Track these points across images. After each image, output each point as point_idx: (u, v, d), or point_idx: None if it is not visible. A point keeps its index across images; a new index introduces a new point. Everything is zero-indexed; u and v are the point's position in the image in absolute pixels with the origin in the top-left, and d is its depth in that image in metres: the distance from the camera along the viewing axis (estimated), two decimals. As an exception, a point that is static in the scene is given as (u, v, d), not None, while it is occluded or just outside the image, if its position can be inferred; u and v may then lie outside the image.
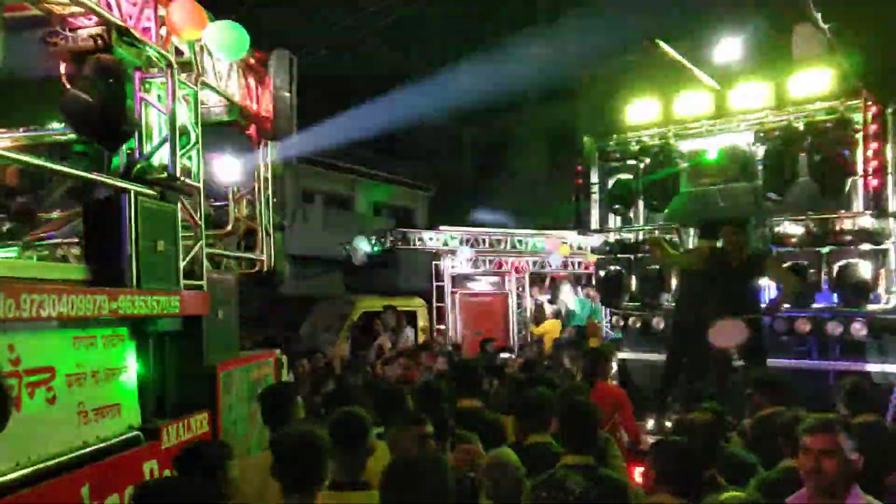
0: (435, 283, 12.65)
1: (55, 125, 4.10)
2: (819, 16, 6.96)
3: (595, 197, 8.71)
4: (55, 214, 4.60)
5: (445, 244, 12.87)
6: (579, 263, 13.89)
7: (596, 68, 21.33)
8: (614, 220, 8.77)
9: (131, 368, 3.76)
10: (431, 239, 12.96)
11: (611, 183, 8.44)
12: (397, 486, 2.36)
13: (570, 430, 3.42)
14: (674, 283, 7.85)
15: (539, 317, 13.00)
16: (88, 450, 3.30)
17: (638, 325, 7.93)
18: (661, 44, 9.94)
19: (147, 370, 3.87)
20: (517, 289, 13.45)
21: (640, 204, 8.49)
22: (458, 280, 13.00)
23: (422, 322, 12.27)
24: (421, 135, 26.87)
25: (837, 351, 6.60)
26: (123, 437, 3.57)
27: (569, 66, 21.50)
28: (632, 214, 8.59)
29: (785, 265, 6.57)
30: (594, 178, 8.77)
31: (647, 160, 8.06)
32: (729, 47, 10.12)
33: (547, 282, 14.17)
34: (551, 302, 13.53)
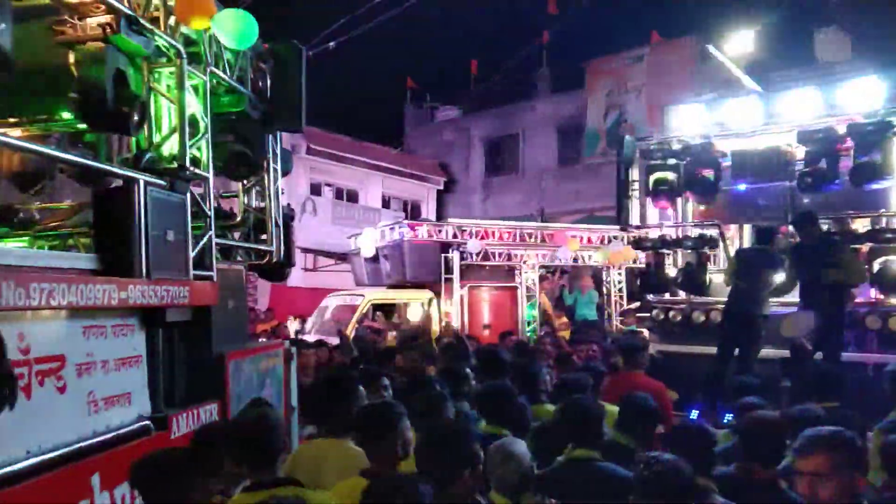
0: (444, 276, 12.63)
1: (65, 115, 4.09)
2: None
3: (636, 194, 9.11)
4: (66, 204, 4.61)
5: (454, 236, 12.85)
6: (589, 257, 13.84)
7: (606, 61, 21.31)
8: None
9: (141, 358, 3.76)
10: (440, 231, 12.94)
11: (652, 180, 8.78)
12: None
13: (574, 424, 3.46)
14: (718, 277, 8.22)
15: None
16: (98, 439, 3.30)
17: (678, 318, 8.14)
18: (712, 49, 10.24)
19: (156, 360, 3.86)
20: (527, 282, 13.41)
21: (680, 201, 9.05)
22: (467, 273, 12.97)
23: (431, 314, 12.27)
24: (431, 127, 26.89)
25: (875, 344, 6.72)
26: (133, 426, 3.57)
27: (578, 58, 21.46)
28: (671, 211, 9.11)
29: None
30: (634, 175, 9.15)
31: (689, 158, 8.43)
32: (744, 42, 10.29)
33: (557, 275, 14.15)
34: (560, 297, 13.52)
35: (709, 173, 8.34)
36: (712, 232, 8.75)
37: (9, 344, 2.75)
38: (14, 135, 4.00)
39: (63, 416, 3.13)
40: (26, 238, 4.25)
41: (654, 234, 9.18)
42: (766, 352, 7.03)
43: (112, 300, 3.36)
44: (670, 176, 8.68)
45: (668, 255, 9.05)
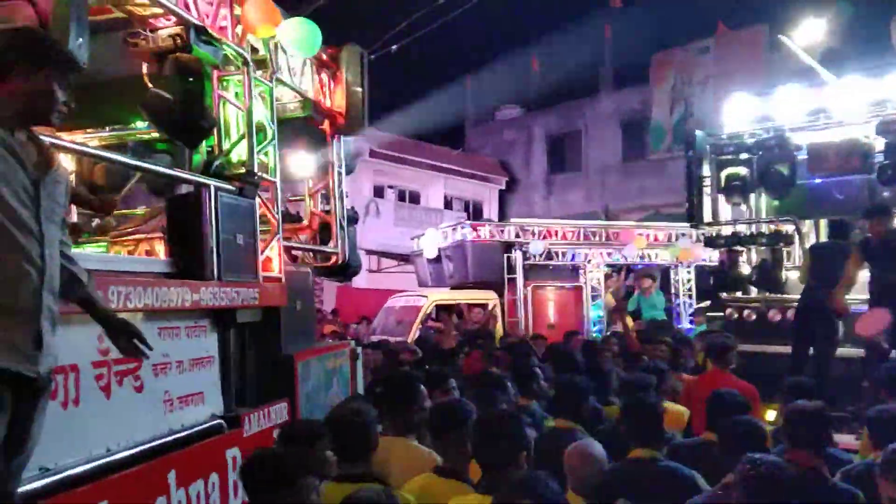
0: (507, 276, 12.57)
1: (139, 124, 4.24)
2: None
3: (707, 190, 8.97)
4: (140, 210, 4.78)
5: (517, 236, 12.77)
6: (656, 255, 13.55)
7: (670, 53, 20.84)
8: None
9: (213, 358, 3.86)
10: (502, 231, 12.89)
11: (724, 175, 8.61)
12: None
13: (635, 423, 3.47)
14: (795, 274, 8.01)
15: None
16: (174, 437, 3.40)
17: (753, 316, 8.06)
18: (785, 39, 9.97)
19: (228, 360, 3.95)
20: (592, 281, 13.21)
21: (753, 197, 8.85)
22: (531, 272, 12.87)
23: (494, 314, 12.23)
24: (491, 126, 26.83)
25: None
26: (207, 424, 3.66)
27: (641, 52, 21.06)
28: (744, 207, 8.93)
29: None
30: (706, 171, 9.01)
31: (762, 152, 8.24)
32: (815, 31, 9.95)
33: (623, 274, 13.90)
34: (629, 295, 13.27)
35: (783, 167, 8.12)
36: (787, 228, 8.52)
37: (89, 345, 2.89)
38: (92, 144, 4.18)
39: (140, 415, 3.24)
40: (104, 243, 4.42)
41: (726, 230, 8.99)
42: (847, 351, 6.76)
43: (185, 302, 3.47)
44: (742, 171, 8.53)
45: (742, 252, 8.84)
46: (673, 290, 13.65)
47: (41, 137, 2.32)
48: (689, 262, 13.41)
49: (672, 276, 13.78)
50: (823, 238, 8.47)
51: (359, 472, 2.88)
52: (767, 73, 15.70)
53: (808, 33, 11.53)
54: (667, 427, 3.93)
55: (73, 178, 4.45)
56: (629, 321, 11.63)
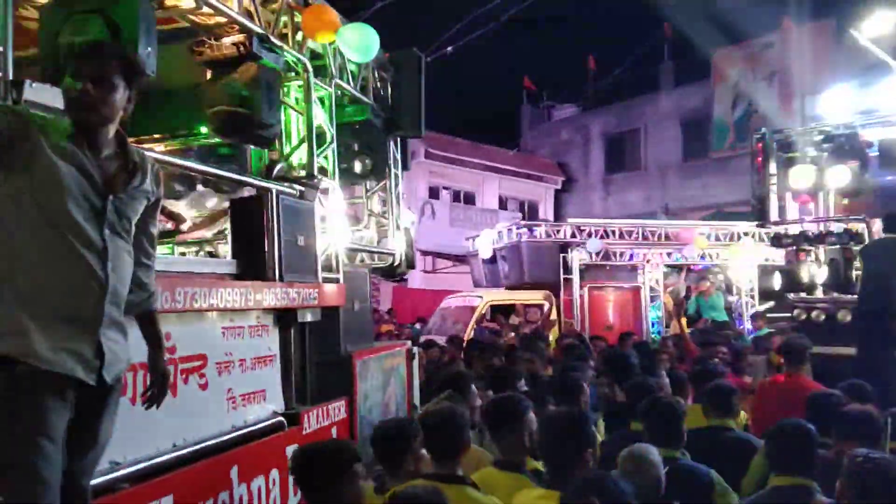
0: (563, 276, 12.47)
1: (203, 129, 4.37)
2: None
3: (773, 188, 8.76)
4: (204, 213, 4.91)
5: (573, 236, 12.66)
6: (717, 255, 13.23)
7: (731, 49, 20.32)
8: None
9: (275, 357, 3.95)
10: (558, 231, 12.79)
11: (791, 173, 8.37)
12: None
13: (656, 425, 3.54)
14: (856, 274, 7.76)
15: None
16: (236, 433, 3.48)
17: (822, 317, 7.79)
18: (856, 34, 9.73)
19: (289, 358, 4.04)
20: (651, 282, 12.99)
21: (822, 195, 8.62)
22: (587, 273, 12.73)
23: (550, 315, 12.15)
24: (547, 126, 26.65)
25: None
26: (268, 421, 3.75)
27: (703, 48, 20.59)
28: (812, 206, 8.72)
29: None
30: (772, 169, 8.79)
31: (831, 149, 8.02)
32: (886, 24, 9.62)
33: (683, 275, 13.63)
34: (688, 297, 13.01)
35: (853, 165, 7.87)
36: (858, 226, 8.22)
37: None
38: (158, 150, 4.32)
39: (205, 412, 3.34)
40: (170, 245, 4.57)
41: (794, 229, 8.74)
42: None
43: (248, 302, 3.56)
44: (811, 168, 8.28)
45: (810, 251, 8.58)
46: (735, 291, 13.33)
47: (133, 151, 2.33)
48: (752, 262, 13.06)
49: (734, 276, 13.45)
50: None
51: (445, 473, 2.90)
52: (837, 68, 15.17)
53: (878, 26, 11.09)
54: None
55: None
56: (684, 324, 11.40)
